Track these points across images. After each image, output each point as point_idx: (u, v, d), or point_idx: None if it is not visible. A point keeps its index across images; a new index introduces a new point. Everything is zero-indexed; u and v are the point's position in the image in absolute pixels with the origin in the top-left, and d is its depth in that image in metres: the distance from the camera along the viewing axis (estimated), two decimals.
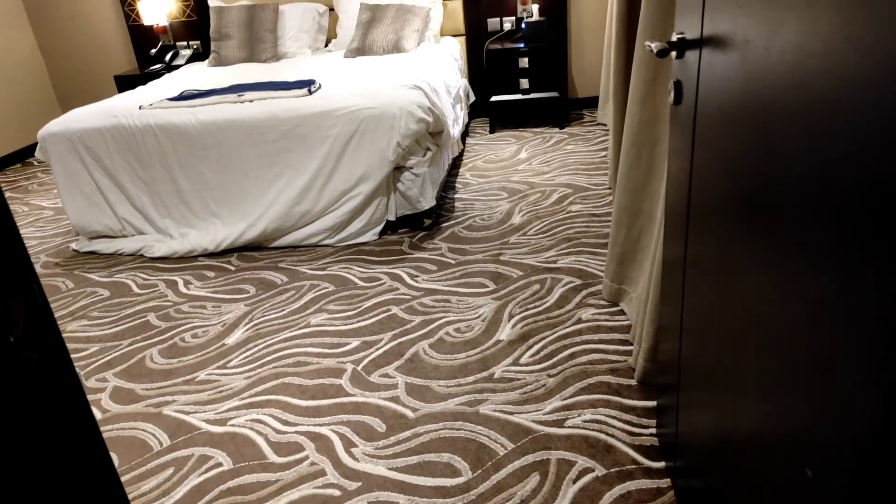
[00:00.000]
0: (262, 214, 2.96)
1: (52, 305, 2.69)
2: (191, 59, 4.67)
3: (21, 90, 4.85)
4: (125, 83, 4.54)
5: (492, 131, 4.43)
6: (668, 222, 1.47)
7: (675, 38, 1.27)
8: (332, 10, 4.48)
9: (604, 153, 3.81)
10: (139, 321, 2.52)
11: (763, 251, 0.87)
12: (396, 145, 2.81)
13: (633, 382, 1.89)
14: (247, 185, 2.98)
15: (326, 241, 2.98)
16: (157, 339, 2.39)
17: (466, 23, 4.49)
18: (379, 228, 3.00)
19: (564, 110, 4.37)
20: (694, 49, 1.18)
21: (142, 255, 3.07)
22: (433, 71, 3.50)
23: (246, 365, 2.17)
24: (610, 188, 3.26)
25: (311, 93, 3.05)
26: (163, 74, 4.44)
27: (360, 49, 3.99)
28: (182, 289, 2.73)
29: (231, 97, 3.10)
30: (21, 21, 4.84)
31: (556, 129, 4.33)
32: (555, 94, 4.26)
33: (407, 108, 2.82)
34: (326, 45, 4.49)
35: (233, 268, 2.88)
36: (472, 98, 4.56)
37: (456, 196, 3.42)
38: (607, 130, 4.19)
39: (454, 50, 4.21)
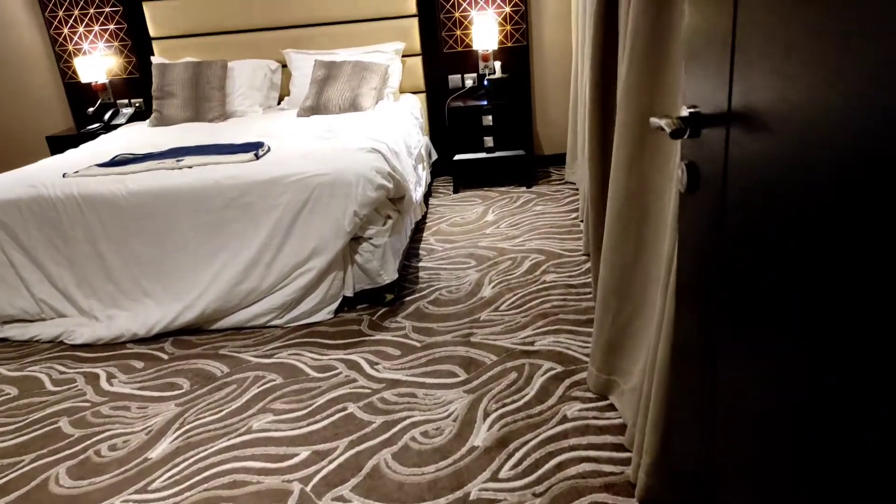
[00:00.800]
0: (201, 293, 2.63)
1: None
2: (132, 118, 4.36)
3: None
4: (59, 144, 4.19)
5: (456, 191, 4.21)
6: (683, 309, 1.22)
7: (685, 112, 1.04)
8: (285, 66, 4.25)
9: (575, 215, 3.61)
10: (48, 428, 2.13)
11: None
12: (353, 215, 2.54)
13: (635, 503, 1.60)
14: (184, 260, 2.65)
15: (275, 322, 2.65)
16: (66, 452, 2.00)
17: (427, 80, 4.32)
18: (335, 306, 2.69)
19: (531, 168, 4.19)
20: (716, 126, 0.94)
21: (62, 343, 2.68)
22: (393, 131, 3.27)
23: (171, 487, 1.80)
24: (586, 255, 3.04)
25: (258, 157, 2.77)
26: (100, 135, 4.11)
27: (315, 107, 3.75)
28: (104, 384, 2.36)
29: (168, 163, 2.80)
30: None
31: (524, 189, 4.14)
32: (520, 151, 4.08)
33: (364, 174, 2.56)
34: (279, 103, 4.25)
35: (166, 356, 2.52)
36: (435, 156, 4.35)
37: (420, 265, 3.14)
38: (576, 189, 4.01)
39: (414, 108, 4.01)
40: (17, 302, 2.73)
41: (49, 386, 2.38)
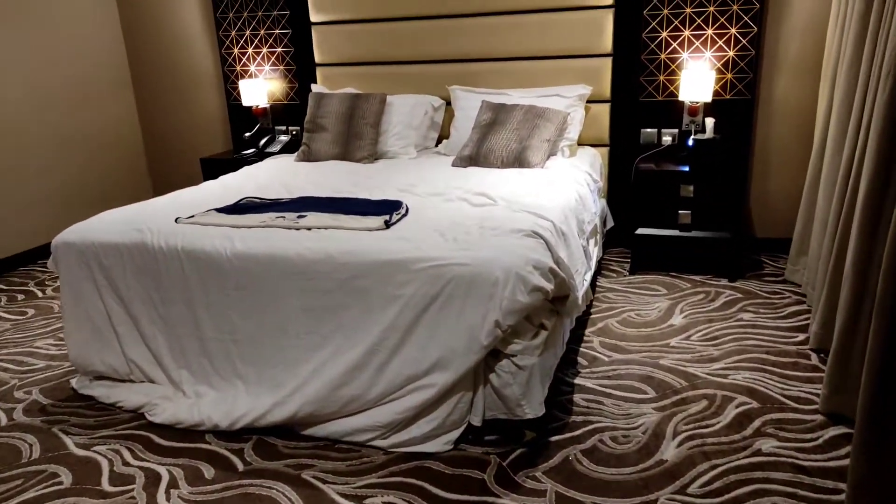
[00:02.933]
0: (296, 389, 2.09)
1: None
2: (287, 147, 4.08)
3: (115, 161, 4.49)
4: (211, 167, 4.02)
5: (633, 272, 3.37)
6: None
7: None
8: (449, 104, 3.72)
9: (802, 336, 2.62)
10: None
11: None
12: (494, 325, 1.86)
13: None
14: (283, 344, 2.13)
15: (377, 443, 2.04)
16: None
17: (612, 132, 3.55)
18: (455, 435, 2.02)
19: (737, 256, 3.23)
20: None
21: (142, 416, 2.29)
22: (563, 200, 2.56)
23: None
24: (824, 415, 2.08)
25: (388, 225, 2.20)
26: (252, 161, 3.86)
27: (474, 158, 3.14)
28: (160, 496, 1.88)
29: (289, 217, 2.33)
30: (126, 92, 4.53)
31: (725, 282, 3.19)
32: (725, 234, 3.15)
33: (517, 271, 1.87)
34: (437, 145, 3.72)
35: (241, 466, 2.00)
36: (610, 224, 3.55)
37: (577, 381, 2.38)
38: (802, 296, 2.99)
39: (594, 165, 3.26)
40: (109, 358, 2.40)
41: (105, 483, 1.96)
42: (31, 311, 3.27)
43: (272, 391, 2.15)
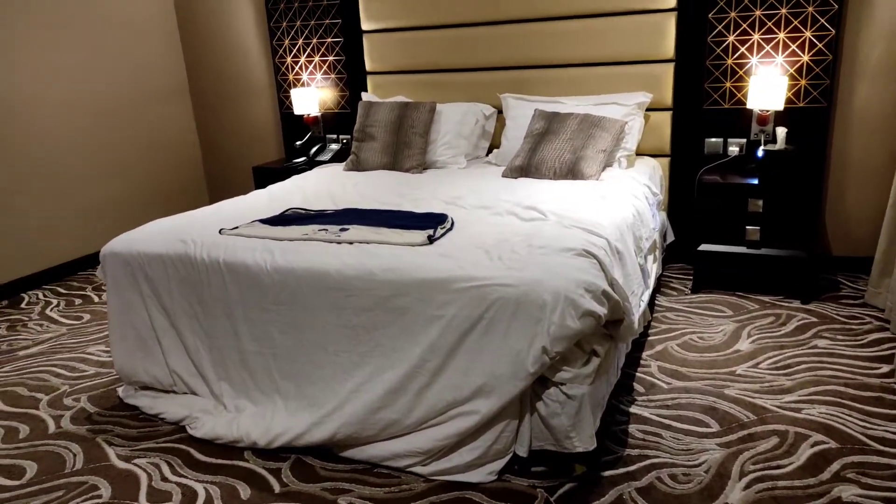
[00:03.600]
0: (334, 409, 2.02)
1: (32, 501, 1.94)
2: (337, 155, 4.06)
3: (173, 167, 4.58)
4: (263, 175, 4.04)
5: (695, 290, 3.17)
6: None
7: None
8: (501, 112, 3.61)
9: (887, 367, 2.38)
10: None
11: None
12: (542, 352, 1.73)
13: None
14: (322, 361, 2.06)
15: (417, 469, 1.94)
16: None
17: (674, 141, 3.36)
18: (500, 465, 1.90)
19: (811, 275, 2.99)
20: None
21: (183, 429, 2.27)
22: (619, 215, 2.40)
23: None
24: None
25: (431, 240, 2.10)
26: (303, 170, 3.86)
27: (525, 169, 3.02)
28: None
29: (332, 230, 2.27)
30: (184, 100, 4.62)
31: (798, 304, 2.96)
32: (799, 252, 2.92)
33: (567, 294, 1.74)
34: (488, 154, 3.61)
35: (278, 487, 1.94)
36: (671, 239, 3.35)
37: (632, 409, 2.22)
38: (885, 322, 2.73)
39: (653, 178, 3.08)
40: (152, 369, 2.39)
41: (142, 498, 1.93)
42: (86, 316, 3.33)
43: (310, 409, 2.08)
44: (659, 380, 2.40)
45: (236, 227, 2.39)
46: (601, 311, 1.79)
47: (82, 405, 2.48)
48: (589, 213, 2.34)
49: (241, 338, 2.20)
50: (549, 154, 2.97)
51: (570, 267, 1.85)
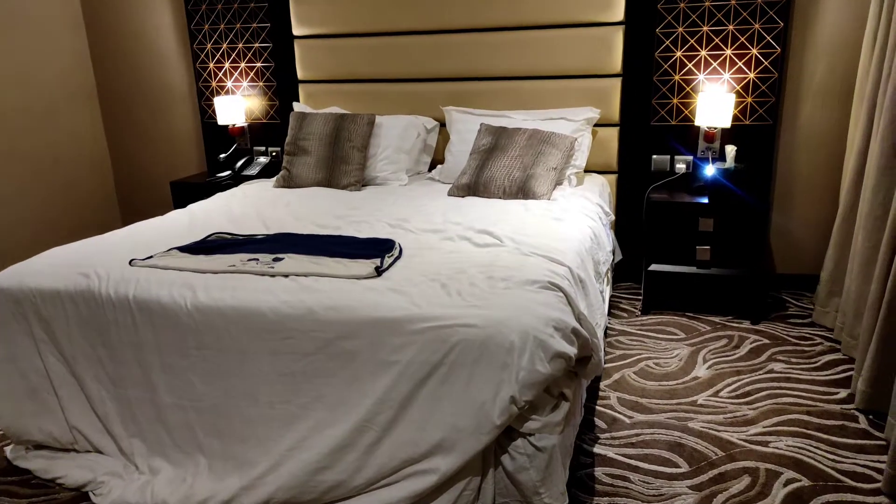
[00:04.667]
0: (268, 471, 1.75)
1: None
2: (266, 170, 3.75)
3: (79, 183, 4.12)
4: (182, 191, 3.68)
5: (645, 311, 3.08)
6: None
7: None
8: (444, 125, 3.42)
9: (844, 392, 2.33)
10: None
11: None
12: (510, 402, 1.54)
13: None
14: (252, 415, 1.79)
15: None
16: None
17: (621, 158, 3.27)
18: None
19: (759, 295, 2.95)
20: None
21: (86, 497, 1.93)
22: (576, 239, 2.25)
23: None
24: (888, 496, 1.78)
25: (379, 272, 1.87)
26: (227, 186, 3.53)
27: (472, 187, 2.84)
28: None
29: (264, 260, 2.00)
30: (91, 106, 4.17)
31: (748, 324, 2.91)
32: (746, 271, 2.87)
33: (535, 334, 1.55)
34: (430, 170, 3.41)
35: None
36: (618, 257, 3.25)
37: (596, 450, 2.06)
38: (835, 342, 2.71)
39: (603, 195, 2.97)
40: (47, 425, 2.03)
41: None
42: None
43: (240, 471, 1.80)
44: (620, 413, 2.26)
45: (150, 257, 2.08)
46: (571, 351, 1.62)
47: None
48: (546, 238, 2.17)
49: (155, 388, 1.89)
50: (497, 172, 2.80)
51: (535, 302, 1.67)
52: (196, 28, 3.81)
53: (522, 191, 2.74)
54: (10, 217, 3.70)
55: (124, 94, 4.13)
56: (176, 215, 2.73)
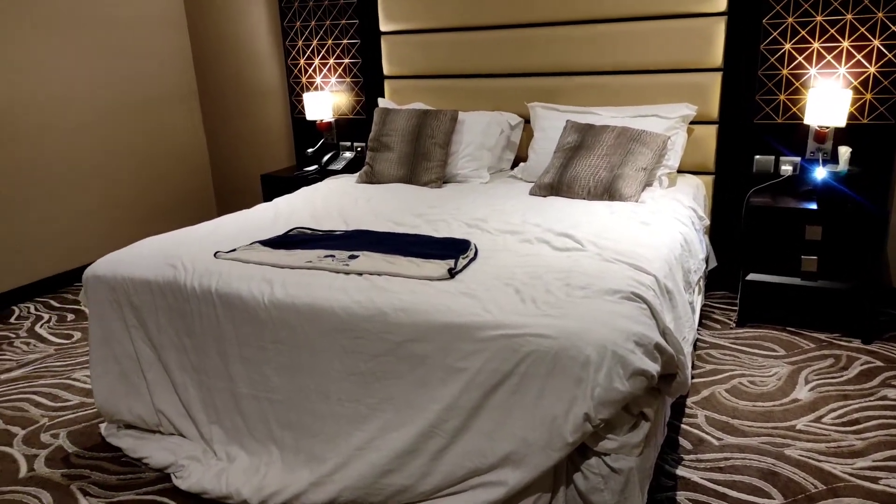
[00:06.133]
0: (336, 469, 1.75)
1: None
2: (350, 164, 3.80)
3: (180, 175, 4.35)
4: (272, 184, 3.80)
5: (741, 324, 2.86)
6: None
7: None
8: (528, 122, 3.33)
9: None
10: None
11: None
12: (584, 419, 1.45)
13: None
14: (324, 412, 1.80)
15: None
16: None
17: (719, 158, 3.06)
18: None
19: (872, 311, 2.67)
20: None
21: (167, 478, 2.01)
22: (666, 246, 2.11)
23: None
24: None
25: (452, 274, 1.83)
26: (313, 180, 3.61)
27: (555, 186, 2.73)
28: None
29: (340, 257, 2.00)
30: (192, 103, 4.39)
31: (858, 343, 2.64)
32: (858, 284, 2.60)
33: (614, 349, 1.45)
34: (513, 168, 3.33)
35: None
36: (713, 264, 3.04)
37: (679, 473, 1.92)
38: None
39: (697, 199, 2.79)
40: (136, 407, 2.14)
41: None
42: (76, 335, 3.10)
43: (310, 466, 1.81)
44: (708, 434, 2.10)
45: (234, 250, 2.13)
46: (654, 368, 1.51)
47: (60, 443, 2.23)
48: (632, 244, 2.05)
49: (234, 379, 1.94)
50: (582, 171, 2.68)
51: (616, 314, 1.56)
52: (288, 25, 3.91)
53: (608, 192, 2.61)
54: (115, 207, 3.95)
55: (221, 91, 4.31)
56: (262, 208, 2.80)
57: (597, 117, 2.96)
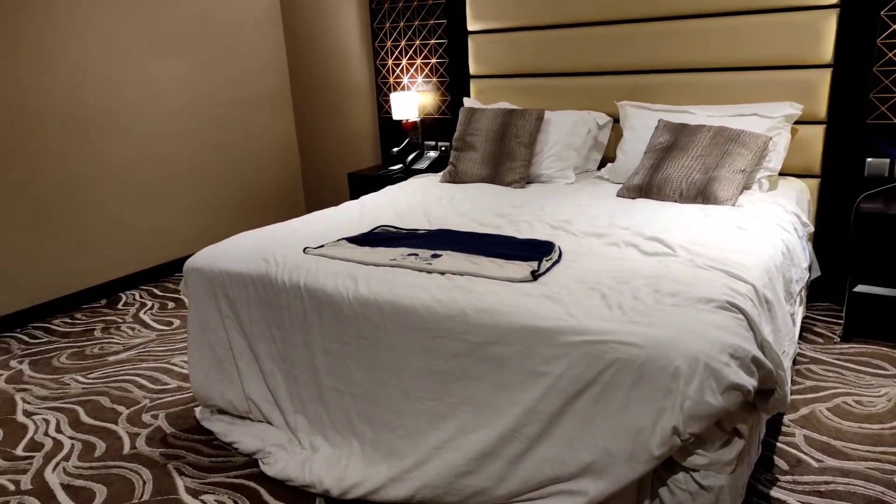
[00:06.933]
0: (415, 466, 1.77)
1: None
2: (434, 164, 3.83)
3: (273, 173, 4.54)
4: (357, 183, 3.89)
5: (846, 339, 2.66)
6: None
7: None
8: (617, 121, 3.24)
9: None
10: None
11: None
12: (672, 432, 1.39)
13: None
14: (403, 408, 1.82)
15: None
16: None
17: (826, 160, 2.85)
18: None
19: None
20: None
21: (255, 463, 2.10)
22: (766, 253, 1.99)
23: None
24: None
25: (535, 276, 1.80)
26: (398, 178, 3.67)
27: (645, 188, 2.64)
28: None
29: (423, 255, 2.02)
30: (285, 103, 4.57)
31: None
32: None
33: (707, 361, 1.38)
34: (600, 168, 3.25)
35: None
36: (816, 273, 2.84)
37: (773, 495, 1.81)
38: None
39: (801, 203, 2.61)
40: (229, 393, 2.24)
41: None
42: (176, 322, 3.29)
43: (389, 461, 1.84)
44: (807, 455, 1.97)
45: (322, 246, 2.20)
46: (750, 383, 1.42)
47: (159, 423, 2.38)
48: (727, 250, 1.94)
49: (318, 370, 1.99)
50: (674, 172, 2.57)
51: (709, 324, 1.48)
52: (378, 26, 3.99)
53: (702, 194, 2.49)
54: (212, 203, 4.17)
55: (312, 91, 4.46)
56: (348, 206, 2.87)
57: (691, 116, 2.83)
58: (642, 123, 2.97)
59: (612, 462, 1.47)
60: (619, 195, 2.71)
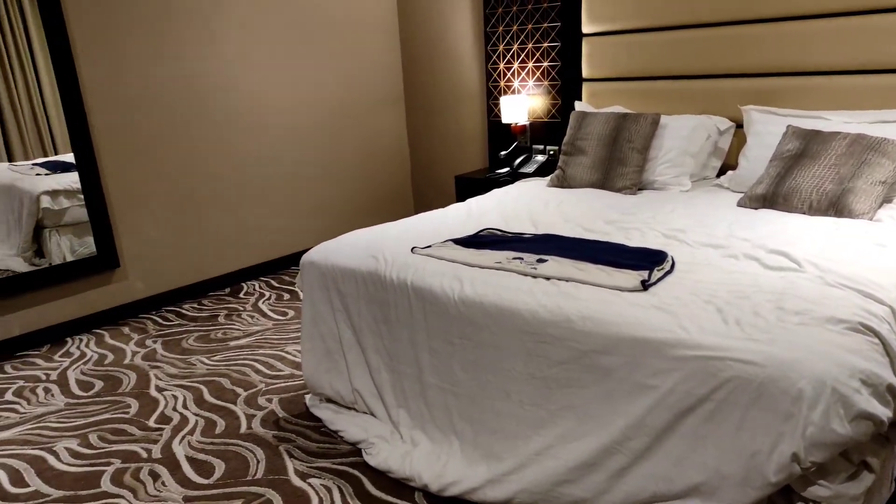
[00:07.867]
0: (514, 470, 1.77)
1: None
2: (542, 168, 3.81)
3: (385, 174, 4.70)
4: (464, 185, 3.94)
5: None
6: None
7: None
8: (740, 127, 3.07)
9: None
10: None
11: None
12: (791, 458, 1.30)
13: None
14: (503, 410, 1.83)
15: None
16: None
17: None
18: None
19: None
20: None
21: (358, 452, 2.18)
22: None
23: None
24: None
25: (645, 286, 1.74)
26: (504, 182, 3.68)
27: (769, 198, 2.48)
28: None
29: (528, 260, 2.02)
30: (398, 106, 4.71)
31: None
32: None
33: (835, 385, 1.28)
34: (719, 176, 3.09)
35: None
36: None
37: None
38: None
39: None
40: (336, 383, 2.35)
41: None
42: (290, 313, 3.49)
43: (487, 462, 1.85)
44: None
45: (429, 247, 2.25)
46: (884, 413, 1.30)
47: (273, 407, 2.53)
48: (862, 267, 1.79)
49: (422, 367, 2.04)
50: (803, 182, 2.40)
51: (839, 346, 1.38)
52: (491, 30, 4.02)
53: (835, 207, 2.31)
54: (327, 200, 4.38)
55: (424, 94, 4.57)
56: (456, 208, 2.91)
57: (825, 122, 2.63)
58: (768, 129, 2.79)
59: (724, 484, 1.40)
60: (739, 205, 2.57)
